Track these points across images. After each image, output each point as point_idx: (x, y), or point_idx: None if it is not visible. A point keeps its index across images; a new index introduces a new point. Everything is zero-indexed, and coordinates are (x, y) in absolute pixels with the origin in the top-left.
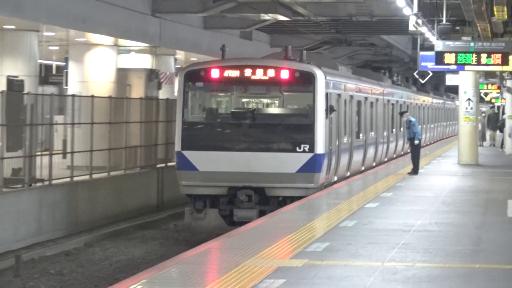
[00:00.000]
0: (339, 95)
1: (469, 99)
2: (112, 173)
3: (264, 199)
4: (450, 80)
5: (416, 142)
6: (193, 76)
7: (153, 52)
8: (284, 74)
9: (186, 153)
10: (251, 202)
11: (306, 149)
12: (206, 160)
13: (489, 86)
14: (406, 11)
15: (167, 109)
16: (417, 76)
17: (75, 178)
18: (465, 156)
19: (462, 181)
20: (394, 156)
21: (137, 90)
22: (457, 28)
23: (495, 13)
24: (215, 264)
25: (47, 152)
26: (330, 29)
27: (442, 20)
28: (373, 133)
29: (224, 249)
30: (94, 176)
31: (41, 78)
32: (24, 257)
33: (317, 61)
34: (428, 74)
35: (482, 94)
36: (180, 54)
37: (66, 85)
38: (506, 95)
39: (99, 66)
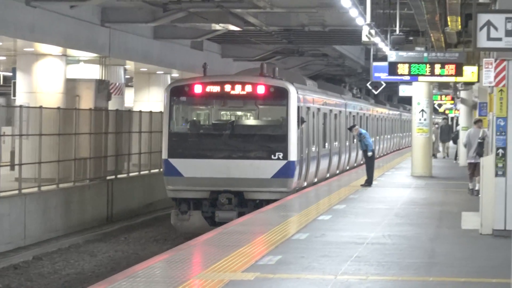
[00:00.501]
0: (308, 108)
1: (422, 110)
2: (61, 185)
3: (243, 202)
4: (403, 91)
5: (370, 154)
6: (178, 91)
7: (102, 62)
8: (260, 89)
9: (172, 160)
10: (231, 204)
11: (280, 156)
12: (190, 167)
13: (443, 97)
14: (359, 21)
15: (117, 120)
16: (370, 87)
17: (24, 191)
18: (418, 167)
19: (416, 193)
20: (355, 164)
21: (86, 101)
22: (411, 38)
23: (449, 23)
24: (165, 278)
25: None
26: (282, 39)
27: (395, 30)
28: (337, 143)
29: (176, 262)
30: (43, 188)
31: None
32: None
33: (287, 76)
34: (382, 85)
35: (435, 105)
36: (130, 65)
37: (14, 95)
38: (460, 106)
39: (48, 77)
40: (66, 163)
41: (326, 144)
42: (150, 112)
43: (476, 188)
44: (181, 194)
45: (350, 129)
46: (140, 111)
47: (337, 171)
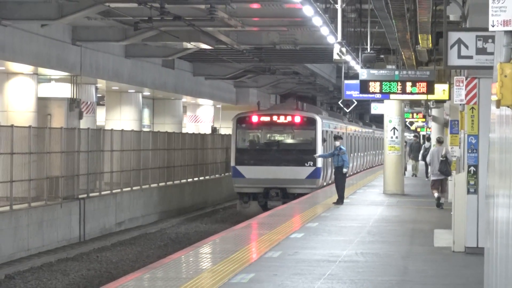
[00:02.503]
0: (327, 131)
1: (394, 128)
2: (33, 204)
3: (286, 195)
4: (375, 108)
5: (345, 170)
6: (241, 120)
7: (74, 81)
8: (297, 119)
9: (238, 167)
10: (278, 196)
11: (311, 164)
12: (250, 171)
13: (415, 115)
14: (330, 39)
15: (89, 139)
16: (341, 105)
17: None
18: (390, 185)
19: (388, 210)
20: (357, 171)
21: (58, 119)
22: (382, 56)
23: (420, 41)
24: None
25: None
26: (253, 57)
27: (366, 49)
28: (354, 152)
29: (148, 280)
30: (15, 207)
31: None
32: None
33: (309, 108)
34: (353, 102)
35: (407, 123)
36: (101, 83)
37: None
38: (432, 124)
39: (19, 95)
40: (38, 182)
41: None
42: (122, 130)
43: (441, 201)
44: (244, 189)
45: (336, 138)
46: (112, 130)
47: (356, 170)
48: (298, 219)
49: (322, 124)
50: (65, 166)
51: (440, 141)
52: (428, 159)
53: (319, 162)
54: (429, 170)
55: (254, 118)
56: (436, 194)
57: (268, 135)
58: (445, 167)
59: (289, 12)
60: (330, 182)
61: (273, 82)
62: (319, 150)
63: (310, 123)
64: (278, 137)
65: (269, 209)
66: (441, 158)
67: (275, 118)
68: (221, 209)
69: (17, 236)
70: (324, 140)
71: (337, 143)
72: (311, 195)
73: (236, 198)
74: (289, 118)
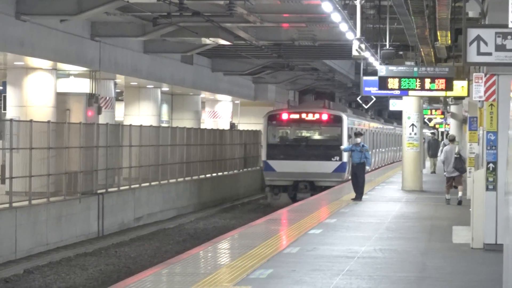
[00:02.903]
0: (351, 128)
1: (412, 125)
2: (51, 199)
3: (314, 187)
4: (394, 105)
5: (367, 168)
6: (272, 118)
7: (92, 76)
8: (325, 117)
9: (269, 161)
10: (306, 189)
11: (337, 159)
12: (280, 165)
13: (433, 111)
14: (349, 35)
15: (107, 134)
16: (360, 101)
17: (14, 204)
18: (409, 182)
19: (407, 207)
20: (378, 166)
21: (77, 114)
22: (401, 53)
23: (439, 38)
24: None
25: None
26: (272, 53)
27: (385, 45)
28: (375, 148)
29: (166, 276)
30: (34, 202)
31: None
32: None
33: (335, 106)
34: (372, 99)
35: (426, 120)
36: (120, 78)
37: (4, 109)
38: (450, 120)
39: (38, 91)
40: (56, 177)
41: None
42: (140, 126)
43: (459, 195)
44: (275, 182)
45: (357, 134)
46: (130, 125)
47: (377, 165)
48: (317, 215)
49: (348, 121)
50: (84, 161)
51: (451, 140)
52: (442, 157)
53: (345, 157)
54: (444, 168)
55: (284, 116)
56: (447, 196)
57: (297, 132)
58: (460, 164)
59: (308, 8)
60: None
61: (292, 78)
62: (345, 146)
63: (336, 121)
64: (306, 134)
65: (298, 201)
66: (455, 155)
67: (304, 115)
68: (239, 204)
69: (36, 231)
70: (349, 137)
71: (358, 139)
72: (330, 191)
73: (252, 194)
74: (317, 116)
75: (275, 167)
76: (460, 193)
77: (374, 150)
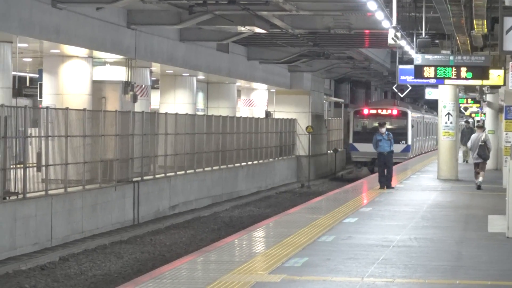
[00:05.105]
0: (414, 119)
1: (448, 114)
2: (87, 187)
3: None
4: (429, 94)
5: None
6: (356, 112)
7: (128, 64)
8: (395, 111)
9: (354, 144)
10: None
11: (404, 142)
12: (362, 146)
13: (469, 100)
14: (385, 24)
15: (143, 122)
16: (396, 90)
17: (50, 192)
18: (444, 171)
19: (442, 196)
20: (429, 149)
21: (112, 102)
22: (437, 41)
23: (475, 26)
24: (192, 279)
25: (21, 165)
26: (308, 42)
27: (421, 34)
28: (421, 136)
29: (201, 264)
30: (69, 189)
31: (15, 90)
32: None
33: (402, 103)
34: (407, 88)
35: (461, 109)
36: (156, 67)
37: (41, 97)
38: (486, 109)
39: (74, 78)
40: (92, 165)
41: (419, 136)
42: (176, 114)
43: (480, 180)
44: (358, 159)
45: (381, 125)
46: (166, 113)
47: (423, 151)
48: (352, 203)
49: (411, 114)
50: (119, 149)
51: (480, 127)
52: (469, 144)
53: (409, 141)
54: (471, 154)
55: (365, 111)
56: (476, 182)
57: (373, 122)
58: (483, 151)
59: None
60: (416, 154)
61: (327, 66)
62: (409, 133)
63: (403, 114)
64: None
65: (374, 173)
66: (480, 143)
67: (379, 110)
68: (275, 192)
69: (71, 219)
70: (412, 126)
71: (383, 129)
72: (366, 180)
73: (289, 183)
74: (389, 111)
75: (359, 148)
76: (480, 178)
77: (426, 137)
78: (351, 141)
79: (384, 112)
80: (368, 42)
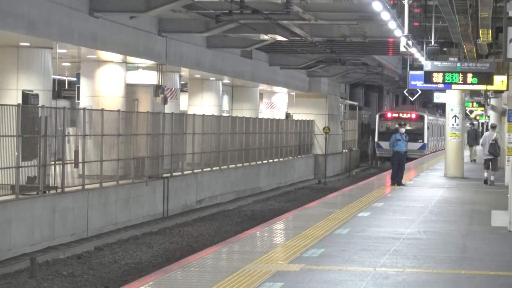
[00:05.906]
0: (429, 122)
1: (455, 116)
2: (120, 182)
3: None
4: (438, 97)
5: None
6: (381, 116)
7: (159, 69)
8: (414, 115)
9: (380, 142)
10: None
11: (421, 141)
12: (386, 144)
13: (474, 104)
14: (397, 33)
15: (172, 123)
16: (406, 94)
17: (86, 186)
18: (451, 169)
19: (449, 192)
20: (442, 148)
21: (144, 104)
22: (445, 49)
23: (480, 35)
24: (217, 268)
25: (60, 162)
26: (325, 49)
27: (430, 42)
28: (435, 137)
29: (226, 253)
30: (104, 184)
31: (54, 92)
32: (39, 260)
33: (419, 108)
34: (417, 92)
35: (467, 112)
36: (185, 71)
37: (78, 99)
38: (490, 112)
39: (109, 82)
40: (125, 162)
41: (434, 137)
42: (203, 115)
43: (491, 179)
44: (382, 155)
45: (400, 125)
46: (194, 114)
47: (437, 149)
48: (365, 199)
49: (428, 118)
50: (151, 148)
51: (493, 127)
52: (481, 141)
53: (425, 140)
54: (483, 151)
55: (389, 115)
56: (485, 174)
57: (395, 124)
58: (494, 149)
59: (359, 7)
60: (431, 151)
61: (343, 72)
62: (426, 133)
63: (421, 118)
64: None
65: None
66: (491, 141)
67: (401, 114)
68: (294, 188)
69: (106, 211)
70: (428, 127)
71: (403, 129)
72: (377, 178)
73: (307, 180)
74: (409, 115)
75: (383, 145)
76: (492, 177)
77: (440, 137)
78: (376, 139)
79: (405, 115)
80: (381, 49)
